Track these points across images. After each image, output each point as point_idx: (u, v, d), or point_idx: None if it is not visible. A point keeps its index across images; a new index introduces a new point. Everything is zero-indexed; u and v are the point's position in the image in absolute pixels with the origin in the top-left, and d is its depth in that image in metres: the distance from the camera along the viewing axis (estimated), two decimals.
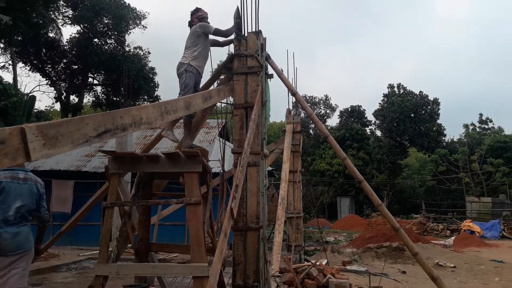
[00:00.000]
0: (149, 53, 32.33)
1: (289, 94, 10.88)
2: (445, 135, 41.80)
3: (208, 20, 5.81)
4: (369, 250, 14.00)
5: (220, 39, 5.84)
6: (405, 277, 10.42)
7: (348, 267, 11.05)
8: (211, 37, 5.84)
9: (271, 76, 5.77)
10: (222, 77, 6.17)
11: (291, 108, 11.24)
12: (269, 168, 13.35)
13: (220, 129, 12.13)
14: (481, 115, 42.28)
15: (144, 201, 4.80)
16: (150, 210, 5.41)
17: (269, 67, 5.83)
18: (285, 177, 8.90)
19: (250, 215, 5.25)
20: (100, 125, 2.46)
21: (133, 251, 5.45)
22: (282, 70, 5.85)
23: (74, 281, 7.25)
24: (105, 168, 4.32)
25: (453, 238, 19.21)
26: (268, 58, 5.56)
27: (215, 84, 6.11)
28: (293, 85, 10.66)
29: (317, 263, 6.78)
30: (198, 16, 5.72)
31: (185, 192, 4.20)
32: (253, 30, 5.57)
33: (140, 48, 32.30)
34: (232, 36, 5.64)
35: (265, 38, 5.67)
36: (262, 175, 5.32)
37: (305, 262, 7.21)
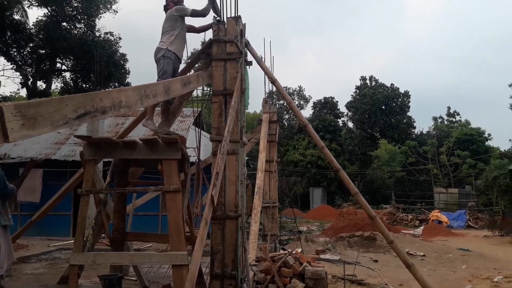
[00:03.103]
0: (120, 38, 31.46)
1: (267, 83, 10.86)
2: (414, 127, 42.84)
3: (184, 3, 5.65)
4: (342, 239, 14.22)
5: (197, 25, 5.69)
6: (377, 266, 10.65)
7: (322, 256, 11.19)
8: (187, 22, 5.70)
9: (250, 63, 5.69)
10: (199, 64, 6.07)
11: (267, 97, 11.20)
12: (245, 158, 13.31)
13: (195, 117, 11.98)
14: (449, 108, 43.55)
15: (121, 188, 4.66)
16: (125, 198, 5.29)
17: (248, 54, 5.75)
18: (261, 166, 8.87)
19: (228, 203, 5.20)
20: (80, 106, 2.35)
21: (108, 241, 5.32)
22: (261, 57, 5.77)
23: (45, 272, 7.02)
24: (80, 154, 4.17)
25: (421, 228, 19.77)
26: (247, 44, 5.47)
27: (192, 71, 5.99)
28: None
29: (293, 252, 6.80)
30: (173, 0, 5.55)
31: (164, 179, 4.11)
32: (232, 15, 5.47)
33: (111, 33, 31.35)
34: (210, 21, 5.52)
35: (245, 24, 5.57)
36: (241, 163, 5.27)
37: (281, 251, 7.23)
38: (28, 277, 5.60)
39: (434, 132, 40.27)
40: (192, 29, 5.76)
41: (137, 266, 5.60)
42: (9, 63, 30.84)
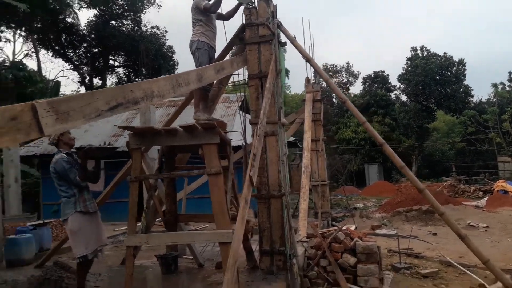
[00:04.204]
0: (166, 31, 32.26)
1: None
2: (472, 96, 40.30)
3: None
4: (399, 214, 13.92)
5: (223, 11, 5.65)
6: (435, 239, 10.36)
7: (378, 231, 11.07)
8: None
9: (284, 44, 5.69)
10: (235, 48, 6.14)
11: (310, 77, 11.09)
12: (292, 139, 13.33)
13: (240, 103, 12.13)
14: (510, 73, 40.44)
15: (166, 173, 4.93)
16: (175, 183, 5.56)
17: (281, 35, 5.74)
18: (307, 146, 8.87)
19: (272, 183, 5.32)
20: (111, 99, 2.52)
21: (163, 223, 5.64)
22: (295, 36, 5.74)
23: (110, 254, 7.56)
24: (126, 143, 4.44)
25: (485, 199, 18.81)
26: (279, 25, 5.47)
27: (229, 56, 6.08)
28: (309, 54, 10.50)
29: (344, 228, 6.81)
30: None
31: (205, 163, 4.28)
32: None
33: (157, 27, 32.26)
34: (238, 9, 5.53)
35: (276, 5, 5.56)
36: (281, 143, 5.34)
37: (331, 227, 7.26)
38: (96, 260, 6.06)
39: (494, 100, 37.68)
40: (221, 17, 5.77)
41: (192, 245, 5.90)
42: (67, 63, 32.81)
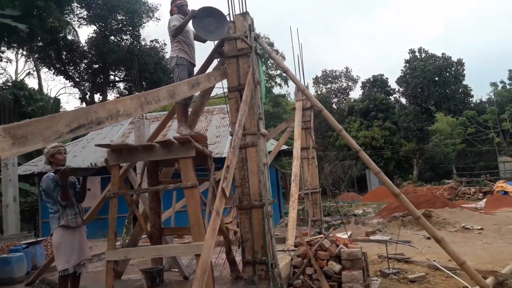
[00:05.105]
0: (165, 44, 32.64)
1: (300, 70, 10.88)
2: (472, 96, 40.31)
3: (188, 8, 5.74)
4: (395, 219, 13.95)
5: (200, 33, 5.54)
6: (429, 243, 10.37)
7: (371, 237, 11.13)
8: (193, 28, 5.64)
9: (261, 56, 5.83)
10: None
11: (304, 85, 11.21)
12: (284, 147, 13.44)
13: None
14: (510, 71, 40.41)
15: (144, 188, 5.06)
16: (159, 197, 5.68)
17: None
18: (296, 154, 8.98)
19: (253, 193, 5.43)
20: (73, 121, 2.66)
21: (148, 237, 5.75)
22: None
23: (103, 270, 7.65)
24: (105, 161, 4.58)
25: (484, 200, 18.79)
26: (257, 38, 5.61)
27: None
28: (299, 60, 10.64)
29: (331, 235, 6.89)
30: (176, 5, 5.72)
31: (181, 176, 4.40)
32: (240, 11, 5.64)
33: (156, 40, 32.68)
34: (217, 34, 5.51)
35: (252, 18, 5.72)
36: (261, 154, 5.45)
37: (317, 235, 7.34)
38: (87, 275, 6.17)
39: (494, 99, 37.64)
40: (198, 38, 5.80)
41: (177, 258, 5.99)
42: (68, 80, 33.24)
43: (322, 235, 7.01)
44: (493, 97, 38.79)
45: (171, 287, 5.52)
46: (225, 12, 5.49)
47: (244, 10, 5.66)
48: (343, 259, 6.17)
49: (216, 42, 5.69)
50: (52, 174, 4.60)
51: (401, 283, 6.64)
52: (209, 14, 5.29)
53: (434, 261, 7.67)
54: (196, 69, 5.86)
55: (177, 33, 5.38)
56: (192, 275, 6.01)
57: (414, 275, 6.86)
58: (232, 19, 5.60)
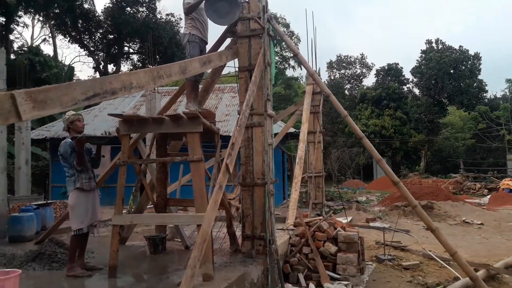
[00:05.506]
0: (180, 19, 32.52)
1: (312, 54, 10.92)
2: (486, 92, 39.85)
3: None
4: (397, 208, 14.11)
5: (210, 17, 5.58)
6: (428, 233, 10.51)
7: (371, 224, 11.31)
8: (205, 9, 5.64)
9: (273, 38, 5.90)
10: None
11: (315, 69, 11.25)
12: (292, 130, 13.56)
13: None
14: None
15: (152, 159, 5.25)
16: (166, 169, 5.88)
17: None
18: (303, 137, 9.11)
19: (256, 172, 5.59)
20: (89, 89, 2.81)
21: (153, 206, 5.98)
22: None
23: (109, 235, 7.94)
24: (116, 130, 4.76)
25: (488, 196, 18.85)
26: (270, 20, 5.68)
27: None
28: (313, 44, 10.67)
29: (329, 218, 7.08)
30: None
31: (188, 150, 4.58)
32: None
33: (172, 14, 32.59)
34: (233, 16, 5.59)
35: (267, 0, 5.77)
36: (267, 134, 5.59)
37: (316, 217, 7.52)
38: (94, 239, 6.44)
39: (509, 96, 37.14)
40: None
41: (180, 228, 6.24)
42: (83, 49, 33.40)
43: (321, 217, 7.20)
44: (508, 93, 38.26)
45: (172, 255, 5.76)
46: None
47: None
48: (339, 242, 6.37)
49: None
50: (69, 140, 4.82)
51: (395, 269, 6.82)
52: None
53: (430, 251, 7.84)
54: (208, 47, 5.97)
55: (189, 11, 5.49)
56: (193, 246, 6.25)
57: (408, 263, 7.03)
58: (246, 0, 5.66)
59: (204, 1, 5.42)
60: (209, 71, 6.22)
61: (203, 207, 4.40)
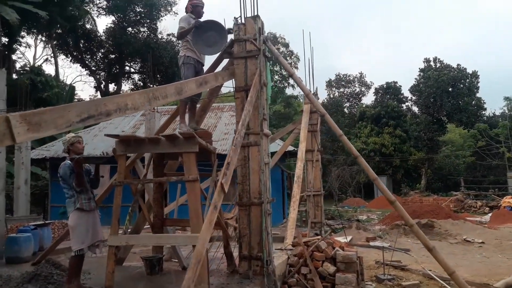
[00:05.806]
0: None
1: (310, 74, 11.04)
2: (485, 109, 40.09)
3: (203, 10, 5.98)
4: (397, 227, 13.99)
5: (197, 46, 5.79)
6: (428, 252, 10.44)
7: (371, 243, 11.22)
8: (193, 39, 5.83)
9: (269, 58, 5.99)
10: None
11: (312, 89, 11.35)
12: (291, 148, 13.58)
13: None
14: None
15: (148, 179, 5.26)
16: (163, 188, 5.89)
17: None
18: (301, 156, 9.13)
19: (253, 191, 5.60)
20: (83, 111, 2.86)
21: (150, 226, 5.96)
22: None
23: (106, 256, 7.90)
24: (113, 150, 4.79)
25: (489, 215, 18.72)
26: (266, 41, 5.77)
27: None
28: (311, 64, 10.80)
29: (328, 237, 7.04)
30: (192, 4, 5.93)
31: (184, 170, 4.60)
32: (252, 14, 5.80)
33: (173, 35, 32.97)
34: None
35: (263, 22, 5.88)
36: (263, 153, 5.62)
37: (314, 236, 7.49)
38: (92, 259, 6.41)
39: (508, 113, 37.32)
40: None
41: (177, 248, 6.20)
42: (84, 69, 33.75)
43: (319, 237, 7.17)
44: (506, 111, 38.44)
45: (169, 275, 5.71)
46: (237, 15, 5.70)
47: (255, 14, 5.83)
48: (338, 261, 6.32)
49: (226, 43, 5.86)
50: (68, 162, 4.87)
51: None
52: (212, 27, 5.58)
53: (430, 270, 7.77)
54: (206, 67, 6.05)
55: (181, 37, 5.65)
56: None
57: (408, 283, 6.97)
58: (243, 21, 5.77)
59: (193, 30, 5.57)
60: (207, 90, 6.32)
61: (198, 227, 4.38)
